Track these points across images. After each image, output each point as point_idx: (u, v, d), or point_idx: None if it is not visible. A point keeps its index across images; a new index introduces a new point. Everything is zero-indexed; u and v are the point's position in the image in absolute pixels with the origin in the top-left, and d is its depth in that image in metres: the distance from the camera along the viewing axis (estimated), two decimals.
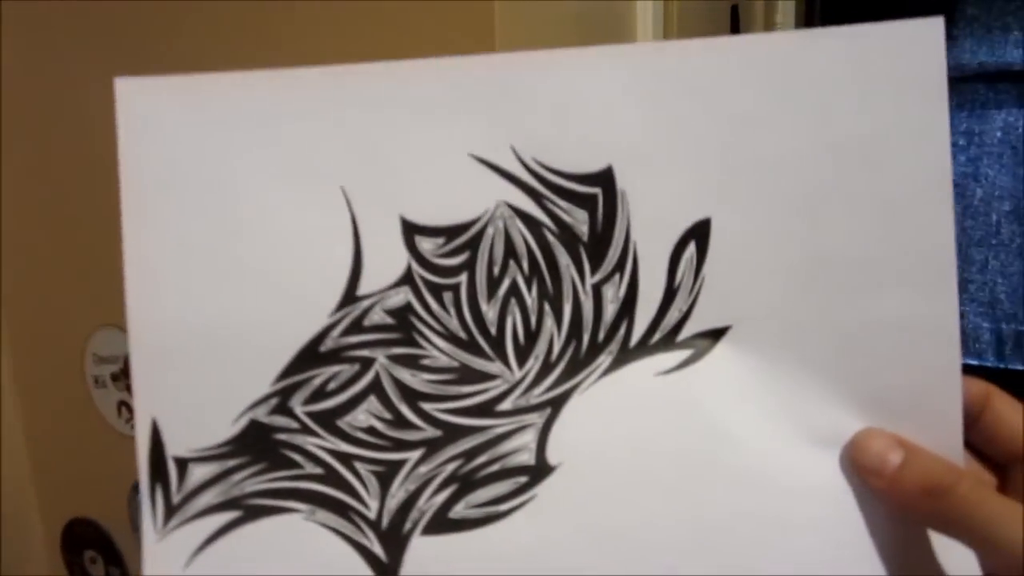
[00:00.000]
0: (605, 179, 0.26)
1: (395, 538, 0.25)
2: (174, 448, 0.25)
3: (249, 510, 0.25)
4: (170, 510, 0.25)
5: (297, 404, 0.25)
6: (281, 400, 0.25)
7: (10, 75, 0.77)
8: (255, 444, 0.25)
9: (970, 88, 0.44)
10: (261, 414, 0.25)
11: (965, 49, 0.42)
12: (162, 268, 0.24)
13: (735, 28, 0.80)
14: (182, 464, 0.25)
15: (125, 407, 0.81)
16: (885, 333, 0.26)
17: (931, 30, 0.25)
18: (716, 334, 0.26)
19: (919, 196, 0.25)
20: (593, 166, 0.25)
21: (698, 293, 0.26)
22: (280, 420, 0.25)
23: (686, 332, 0.26)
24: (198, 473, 0.25)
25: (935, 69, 0.25)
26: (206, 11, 0.56)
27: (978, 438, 0.27)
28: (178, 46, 0.59)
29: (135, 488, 0.80)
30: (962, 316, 0.43)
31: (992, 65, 0.43)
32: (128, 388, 0.77)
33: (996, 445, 0.26)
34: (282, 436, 0.25)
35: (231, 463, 0.25)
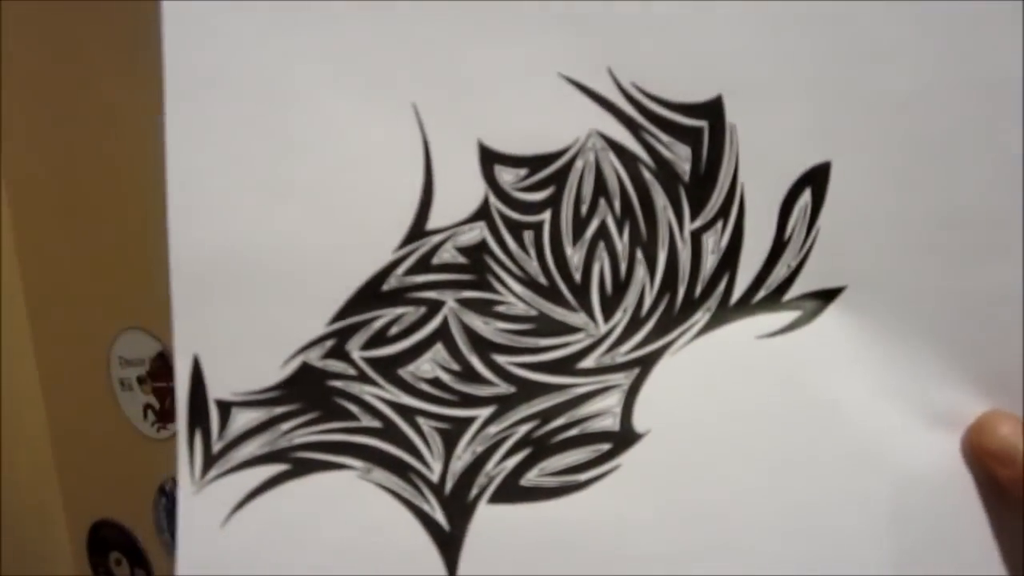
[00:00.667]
0: (714, 111, 0.22)
1: (459, 505, 0.22)
2: (217, 390, 0.22)
3: (297, 463, 0.22)
4: (209, 459, 0.22)
5: (355, 348, 0.22)
6: (337, 343, 0.22)
7: (19, 75, 0.75)
8: (307, 390, 0.22)
9: None
10: (314, 357, 0.22)
11: None
12: (208, 184, 0.21)
13: None
14: (225, 408, 0.22)
15: (151, 410, 0.81)
16: (1015, 303, 0.23)
17: None
18: (828, 295, 0.23)
19: None
20: (701, 95, 0.22)
21: (810, 248, 0.23)
22: (335, 365, 0.22)
23: (794, 291, 0.23)
24: (242, 419, 0.22)
25: None
26: None
27: None
28: None
29: (160, 490, 0.80)
30: None
31: None
32: (154, 391, 0.76)
33: None
34: (337, 383, 0.22)
35: (279, 410, 0.22)
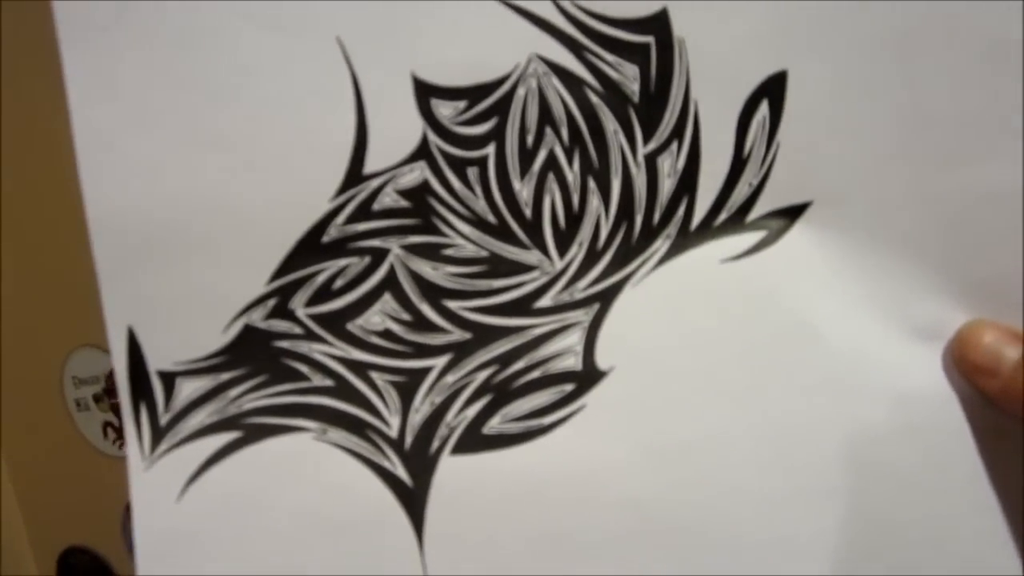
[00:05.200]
0: (659, 25, 0.21)
1: (421, 459, 0.21)
2: (157, 361, 0.21)
3: (250, 430, 0.21)
4: (158, 432, 0.21)
5: (299, 305, 0.21)
6: (280, 301, 0.21)
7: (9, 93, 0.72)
8: (252, 353, 0.21)
9: None
10: (257, 318, 0.21)
11: None
12: (120, 140, 0.20)
13: None
14: (168, 379, 0.21)
15: (111, 427, 0.80)
16: (992, 207, 0.22)
17: None
18: (793, 212, 0.22)
19: None
20: (644, 9, 0.21)
21: (772, 164, 0.22)
22: (280, 325, 0.21)
23: (757, 211, 0.22)
24: (188, 389, 0.21)
25: None
26: None
27: None
28: None
29: (127, 510, 0.79)
30: None
31: None
32: (112, 408, 0.74)
33: None
34: (283, 343, 0.21)
35: (225, 376, 0.21)
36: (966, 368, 0.22)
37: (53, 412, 0.77)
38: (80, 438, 0.78)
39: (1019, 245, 0.22)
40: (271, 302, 0.21)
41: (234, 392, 0.21)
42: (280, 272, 0.21)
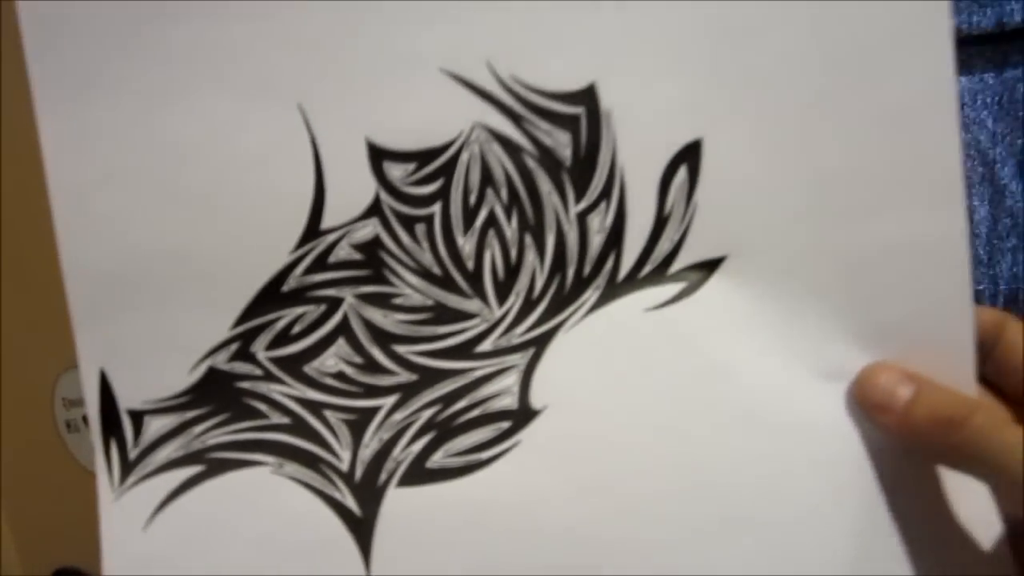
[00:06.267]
0: (589, 97, 0.23)
1: (369, 491, 0.23)
2: (127, 400, 0.23)
3: (212, 464, 0.23)
4: (127, 466, 0.23)
5: (259, 349, 0.23)
6: (242, 345, 0.23)
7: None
8: (216, 393, 0.23)
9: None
10: (220, 361, 0.23)
11: None
12: (93, 195, 0.22)
13: None
14: (137, 417, 0.23)
15: None
16: (889, 258, 0.24)
17: None
18: (710, 265, 0.24)
19: (921, 108, 0.23)
20: (576, 83, 0.23)
21: (690, 221, 0.24)
22: (241, 367, 0.23)
23: (678, 264, 0.24)
24: (155, 426, 0.23)
25: None
26: None
27: (992, 370, 0.25)
28: None
29: None
30: None
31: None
32: None
33: (1012, 377, 0.25)
34: (244, 384, 0.23)
35: (190, 414, 0.23)
36: (865, 405, 0.24)
37: (44, 433, 0.77)
38: (70, 459, 0.78)
39: (913, 293, 0.24)
40: (234, 346, 0.23)
41: (198, 429, 0.23)
42: (243, 318, 0.23)
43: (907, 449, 0.24)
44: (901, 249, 0.24)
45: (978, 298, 0.45)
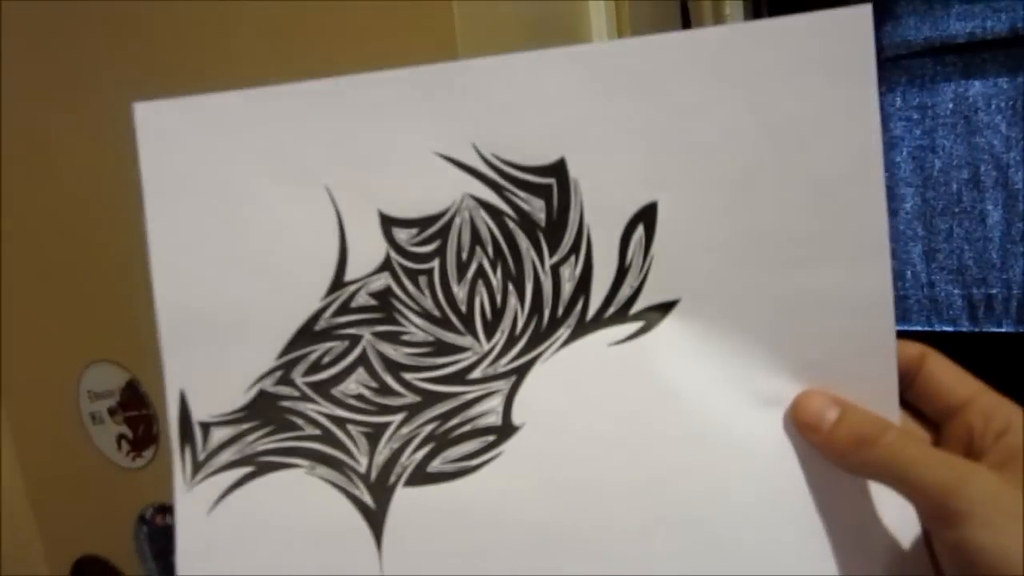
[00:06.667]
0: (559, 170, 0.29)
1: (382, 489, 0.29)
2: (198, 414, 0.29)
3: (260, 466, 0.29)
4: (196, 466, 0.29)
5: (298, 376, 0.29)
6: (284, 372, 0.29)
7: (10, 98, 0.77)
8: (264, 410, 0.29)
9: (918, 63, 0.44)
10: (268, 384, 0.29)
11: (910, 26, 0.42)
12: (181, 261, 0.28)
13: (686, 24, 0.79)
14: (205, 428, 0.29)
15: (125, 440, 0.80)
16: (820, 304, 0.28)
17: (859, 17, 0.27)
18: (665, 307, 0.29)
19: (849, 174, 0.27)
20: (547, 159, 0.28)
21: (648, 271, 0.29)
22: (284, 389, 0.29)
23: (638, 306, 0.29)
24: (218, 435, 0.29)
25: (863, 54, 0.27)
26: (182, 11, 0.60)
27: (915, 397, 0.29)
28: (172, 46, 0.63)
29: (140, 519, 0.79)
30: (932, 285, 0.44)
31: (937, 39, 0.44)
32: (126, 421, 0.78)
33: (931, 403, 0.28)
34: (286, 403, 0.29)
35: (245, 426, 0.29)
36: (799, 425, 0.28)
37: (68, 425, 0.81)
38: (94, 450, 0.82)
39: (842, 334, 0.28)
40: (278, 373, 0.29)
41: (250, 438, 0.29)
42: (285, 351, 0.29)
43: (834, 463, 0.28)
44: (830, 298, 0.28)
45: (991, 303, 0.47)
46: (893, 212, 0.46)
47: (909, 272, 0.42)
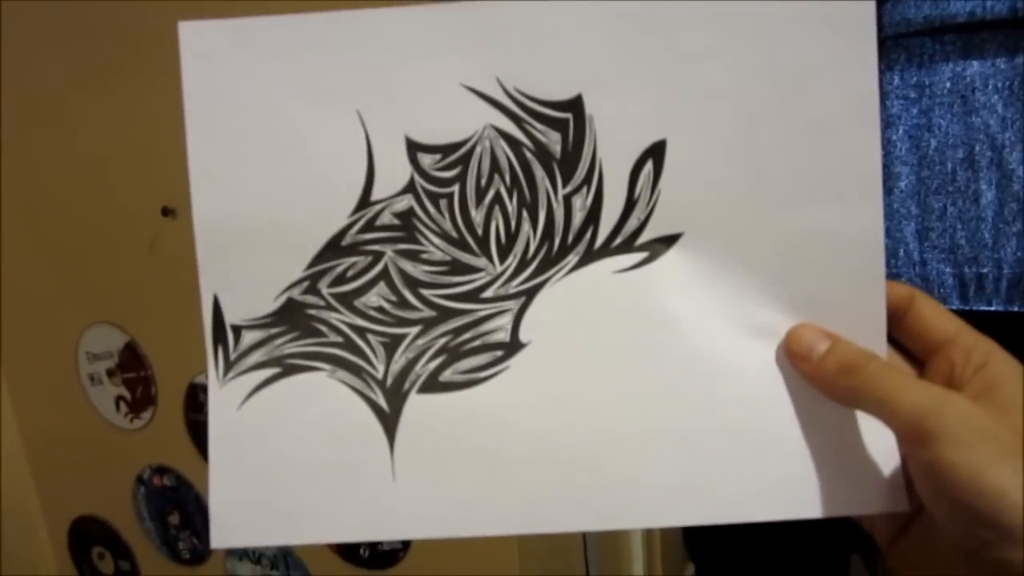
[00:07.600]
0: (576, 106, 0.30)
1: (396, 394, 0.31)
2: (231, 317, 0.32)
3: (286, 367, 0.32)
4: (228, 365, 0.32)
5: (324, 286, 0.31)
6: (311, 283, 0.31)
7: (10, 79, 0.78)
8: (291, 317, 0.32)
9: (917, 42, 0.45)
10: (296, 293, 0.31)
11: (910, 4, 0.43)
12: (218, 175, 0.31)
13: None
14: (237, 330, 0.32)
15: (123, 401, 0.82)
16: (816, 242, 0.30)
17: None
18: (670, 240, 0.31)
19: (846, 120, 0.29)
20: (566, 94, 0.30)
21: (655, 204, 0.31)
22: (310, 299, 0.31)
23: (643, 238, 0.31)
24: (248, 337, 0.32)
25: (865, 6, 0.29)
26: None
27: (903, 335, 0.30)
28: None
29: (139, 480, 0.81)
30: (924, 263, 0.45)
31: (936, 18, 0.44)
32: (125, 382, 0.77)
33: (917, 340, 0.30)
34: (312, 311, 0.32)
35: (273, 331, 0.32)
36: (790, 355, 0.30)
37: (67, 386, 0.83)
38: (93, 411, 0.84)
39: (835, 270, 0.30)
40: (306, 283, 0.31)
41: (278, 341, 0.32)
42: (313, 263, 0.31)
43: (821, 391, 0.30)
44: (825, 236, 0.30)
45: (982, 282, 0.48)
46: (888, 191, 0.47)
47: (902, 250, 0.44)
